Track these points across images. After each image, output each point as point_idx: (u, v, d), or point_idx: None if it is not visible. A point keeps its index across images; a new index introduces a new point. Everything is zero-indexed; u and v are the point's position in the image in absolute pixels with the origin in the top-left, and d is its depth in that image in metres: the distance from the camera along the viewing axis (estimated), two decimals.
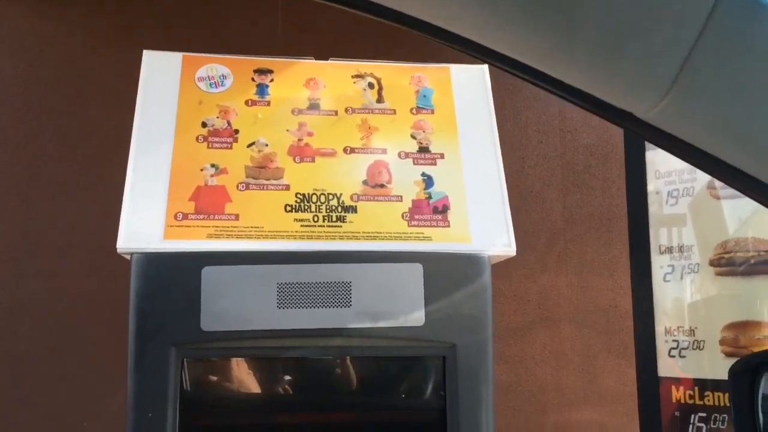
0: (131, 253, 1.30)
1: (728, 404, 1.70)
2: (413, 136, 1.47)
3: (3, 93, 2.30)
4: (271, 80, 1.50)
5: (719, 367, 1.72)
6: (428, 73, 1.55)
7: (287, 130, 1.45)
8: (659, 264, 1.84)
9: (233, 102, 1.47)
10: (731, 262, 1.72)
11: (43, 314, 2.18)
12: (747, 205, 1.68)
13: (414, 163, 1.44)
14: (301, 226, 1.35)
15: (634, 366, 1.87)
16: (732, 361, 0.96)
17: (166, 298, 1.27)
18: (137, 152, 1.39)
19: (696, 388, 1.75)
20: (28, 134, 2.26)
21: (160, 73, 1.48)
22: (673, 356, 1.80)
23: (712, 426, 1.73)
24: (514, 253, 1.36)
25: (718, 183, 1.76)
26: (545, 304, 2.35)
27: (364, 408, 1.36)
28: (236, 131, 1.43)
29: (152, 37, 2.27)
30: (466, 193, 1.41)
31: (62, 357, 2.18)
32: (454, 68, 1.57)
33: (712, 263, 1.76)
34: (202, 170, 1.38)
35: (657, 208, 1.94)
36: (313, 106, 1.49)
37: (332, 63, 1.55)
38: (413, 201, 1.40)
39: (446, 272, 1.32)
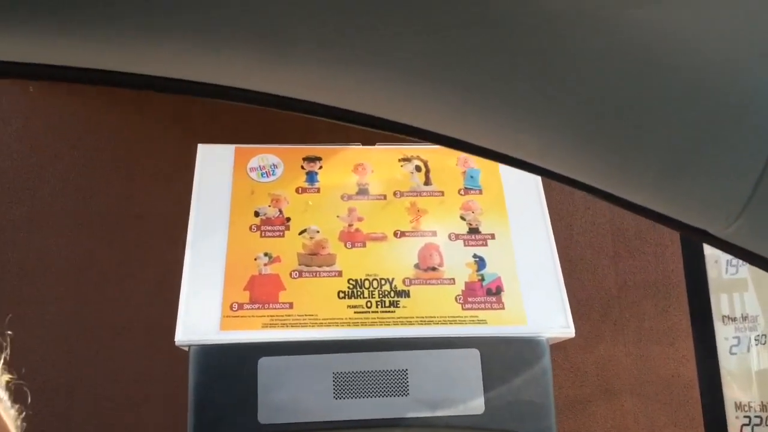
0: (189, 346, 1.31)
1: None
2: (462, 218, 1.47)
3: (62, 180, 2.40)
4: (320, 167, 1.54)
5: None
6: None
7: (337, 216, 1.47)
8: (724, 335, 1.77)
9: (284, 190, 1.50)
10: None
11: (96, 396, 2.20)
12: None
13: (465, 245, 1.44)
14: (355, 312, 1.35)
15: None
16: None
17: (224, 391, 1.28)
18: (193, 243, 1.42)
19: None
20: (83, 218, 2.35)
21: (213, 164, 1.53)
22: None
23: None
24: (573, 335, 1.32)
25: None
26: (604, 375, 2.27)
27: None
28: (288, 219, 1.46)
29: (200, 126, 2.36)
30: (519, 273, 1.40)
31: None
32: None
33: None
34: (255, 259, 1.40)
35: (716, 274, 1.87)
36: (362, 191, 1.51)
37: (379, 148, 1.58)
38: (466, 283, 1.38)
39: (504, 357, 1.29)
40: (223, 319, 1.34)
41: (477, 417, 1.26)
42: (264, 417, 1.26)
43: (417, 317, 1.35)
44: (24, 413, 0.54)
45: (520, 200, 1.50)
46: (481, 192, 1.51)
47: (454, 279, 1.39)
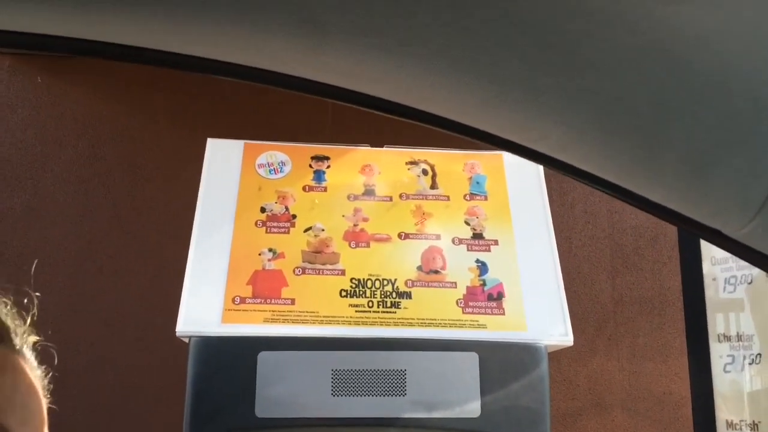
0: (189, 337, 1.31)
1: None
2: (467, 222, 1.49)
3: (66, 171, 2.41)
4: (328, 167, 1.55)
5: None
6: (481, 159, 1.58)
7: (343, 216, 1.48)
8: (718, 353, 1.78)
9: (291, 188, 1.51)
10: None
11: (90, 386, 2.19)
12: None
13: (468, 249, 1.45)
14: (356, 311, 1.36)
15: None
16: None
17: (223, 383, 1.28)
18: (199, 235, 1.43)
19: None
20: (84, 209, 2.35)
21: (222, 159, 1.54)
22: None
23: None
24: (572, 343, 1.33)
25: None
26: (596, 389, 2.28)
27: None
28: (294, 216, 1.47)
29: (207, 119, 2.37)
30: (521, 280, 1.41)
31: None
32: (507, 155, 1.59)
33: None
34: (260, 254, 1.41)
35: (713, 293, 1.89)
36: (369, 192, 1.52)
37: (387, 150, 1.59)
38: (468, 288, 1.40)
39: (502, 362, 1.30)
40: (224, 312, 1.34)
41: (473, 420, 1.26)
42: (261, 410, 1.26)
43: (417, 319, 1.36)
44: (50, 374, 0.55)
45: (524, 208, 1.52)
46: (486, 198, 1.52)
47: (456, 283, 1.40)
